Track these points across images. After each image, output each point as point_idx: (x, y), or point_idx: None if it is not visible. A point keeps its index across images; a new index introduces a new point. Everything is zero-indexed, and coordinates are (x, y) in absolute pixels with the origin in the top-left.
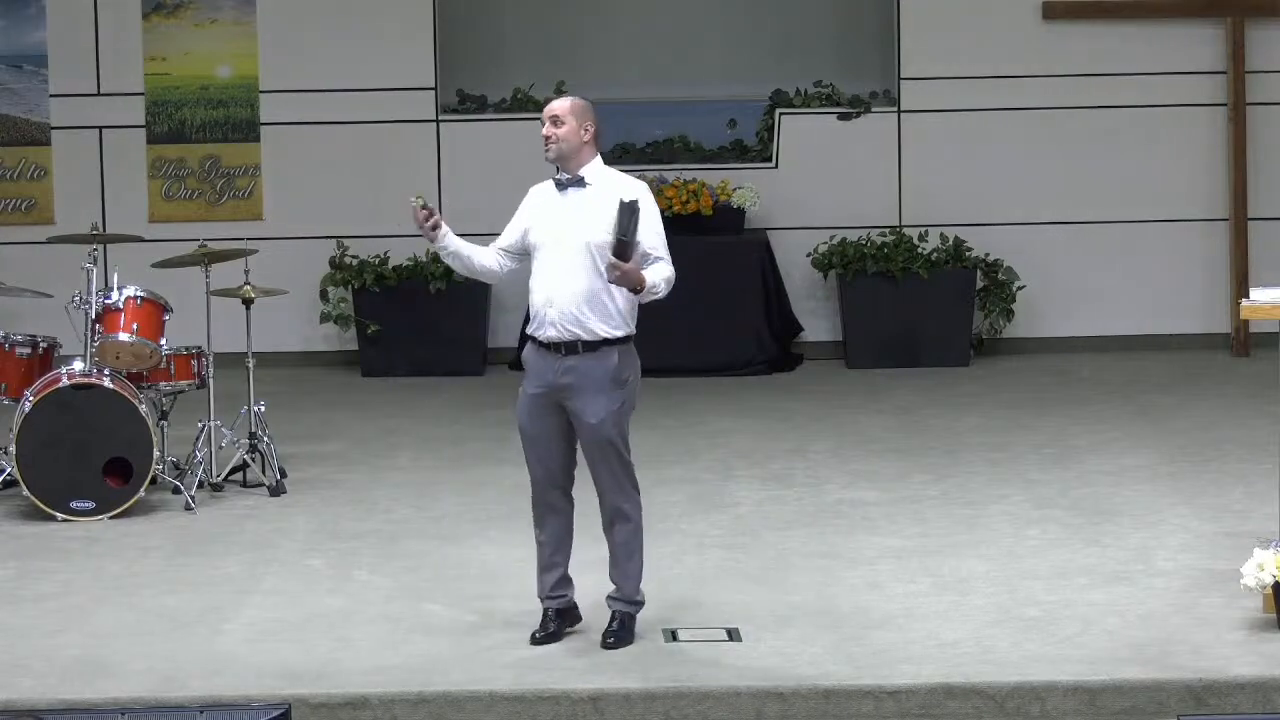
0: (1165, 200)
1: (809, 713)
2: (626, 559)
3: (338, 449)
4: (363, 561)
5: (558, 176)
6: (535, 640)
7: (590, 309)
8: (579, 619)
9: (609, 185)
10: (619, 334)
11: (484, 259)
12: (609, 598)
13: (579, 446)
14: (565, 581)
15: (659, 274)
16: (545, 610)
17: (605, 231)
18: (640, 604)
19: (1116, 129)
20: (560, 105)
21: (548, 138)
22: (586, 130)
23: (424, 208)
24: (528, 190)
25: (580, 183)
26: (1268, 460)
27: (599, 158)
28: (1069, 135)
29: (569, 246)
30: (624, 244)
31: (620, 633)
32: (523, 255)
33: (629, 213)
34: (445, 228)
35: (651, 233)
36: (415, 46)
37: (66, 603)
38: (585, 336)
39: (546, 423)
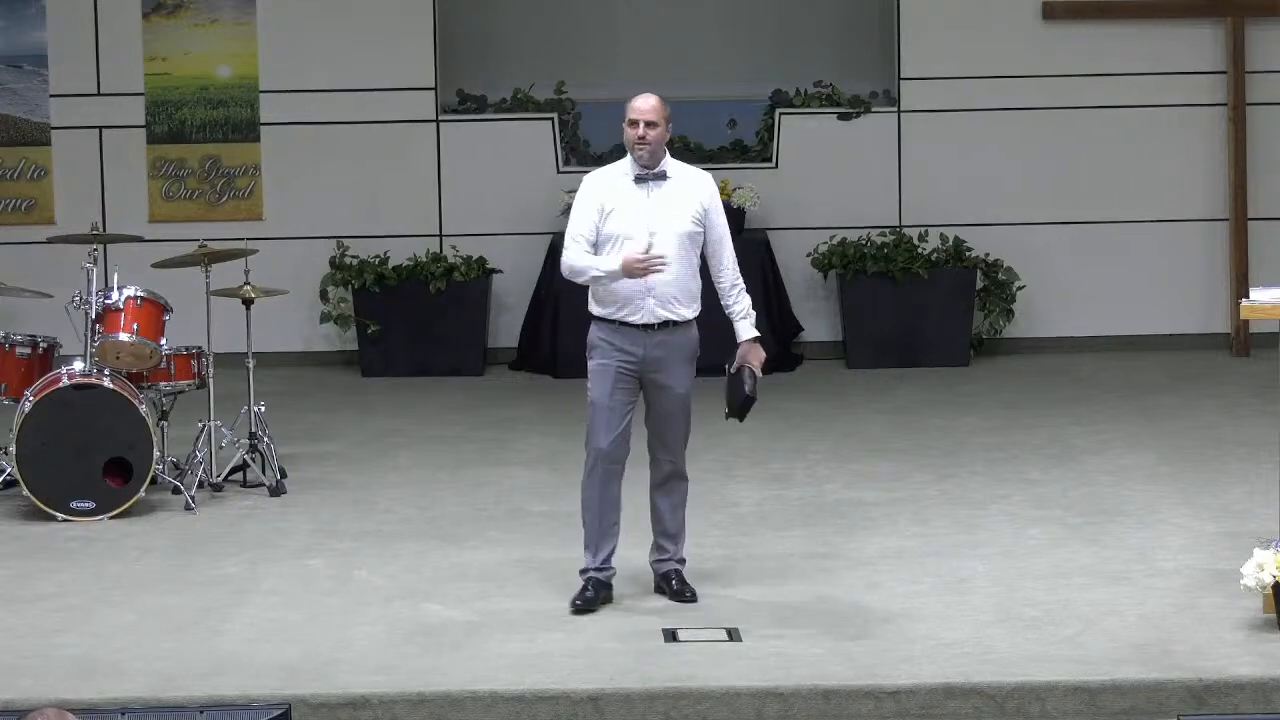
0: (1165, 200)
1: (809, 713)
2: (682, 521)
3: (338, 449)
4: (363, 561)
5: (639, 171)
6: (576, 609)
7: (684, 294)
8: (611, 599)
9: (686, 178)
10: (698, 313)
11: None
12: (660, 560)
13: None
14: (612, 555)
15: (750, 313)
16: (590, 580)
17: (692, 222)
18: (685, 560)
19: (1116, 129)
20: (651, 108)
21: (643, 138)
22: (668, 130)
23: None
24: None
25: (663, 176)
26: (1268, 460)
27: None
28: (1069, 135)
29: (667, 237)
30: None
31: (690, 587)
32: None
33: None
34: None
35: (725, 228)
36: (415, 46)
37: (66, 603)
38: (676, 319)
39: (624, 396)
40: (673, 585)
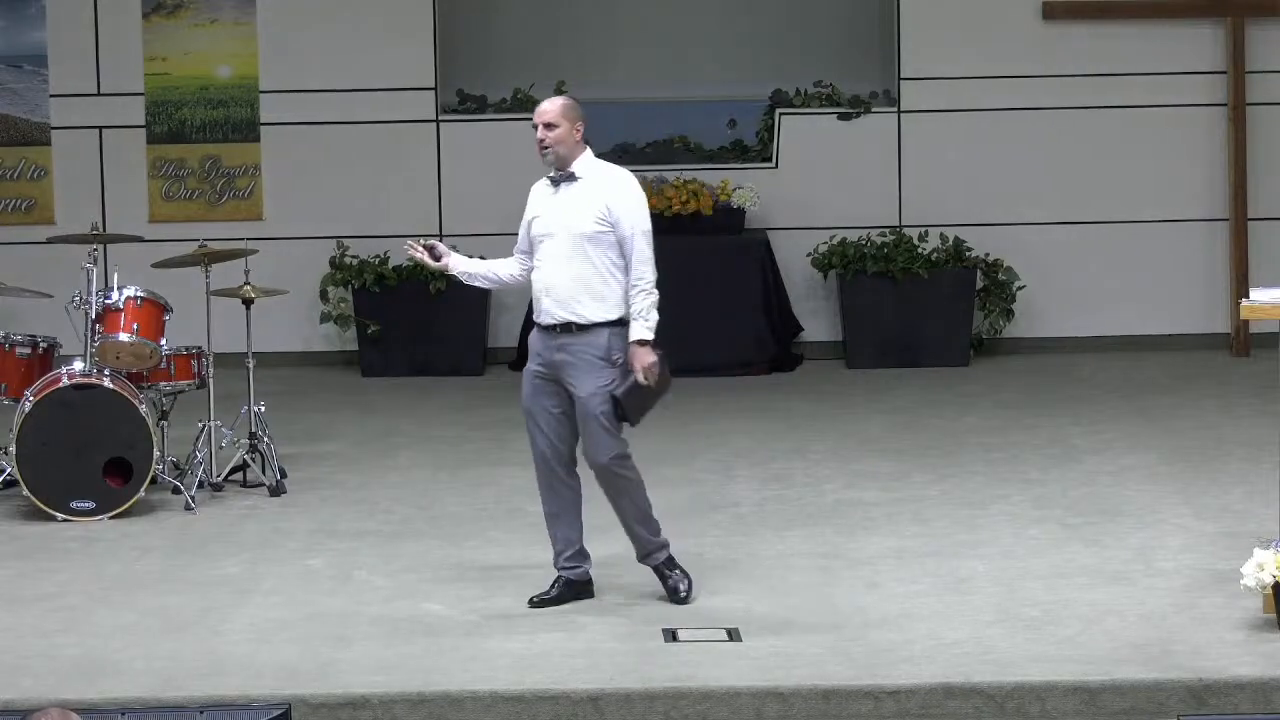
0: (1165, 200)
1: (809, 713)
2: (637, 516)
3: (338, 449)
4: (363, 561)
5: (552, 174)
6: (531, 603)
7: (584, 294)
8: (590, 594)
9: (597, 177)
10: (611, 317)
11: (506, 269)
12: (641, 559)
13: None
14: (580, 555)
15: (647, 314)
16: (556, 577)
17: (593, 222)
18: (666, 544)
19: (1116, 129)
20: (551, 110)
21: (542, 142)
22: (578, 130)
23: (424, 246)
24: (528, 190)
25: (572, 178)
26: (1268, 460)
27: (589, 151)
28: (1069, 135)
29: (562, 237)
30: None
31: (681, 582)
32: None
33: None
34: (450, 256)
35: (634, 228)
36: (415, 46)
37: (66, 603)
38: (578, 320)
39: (546, 400)
40: (666, 579)
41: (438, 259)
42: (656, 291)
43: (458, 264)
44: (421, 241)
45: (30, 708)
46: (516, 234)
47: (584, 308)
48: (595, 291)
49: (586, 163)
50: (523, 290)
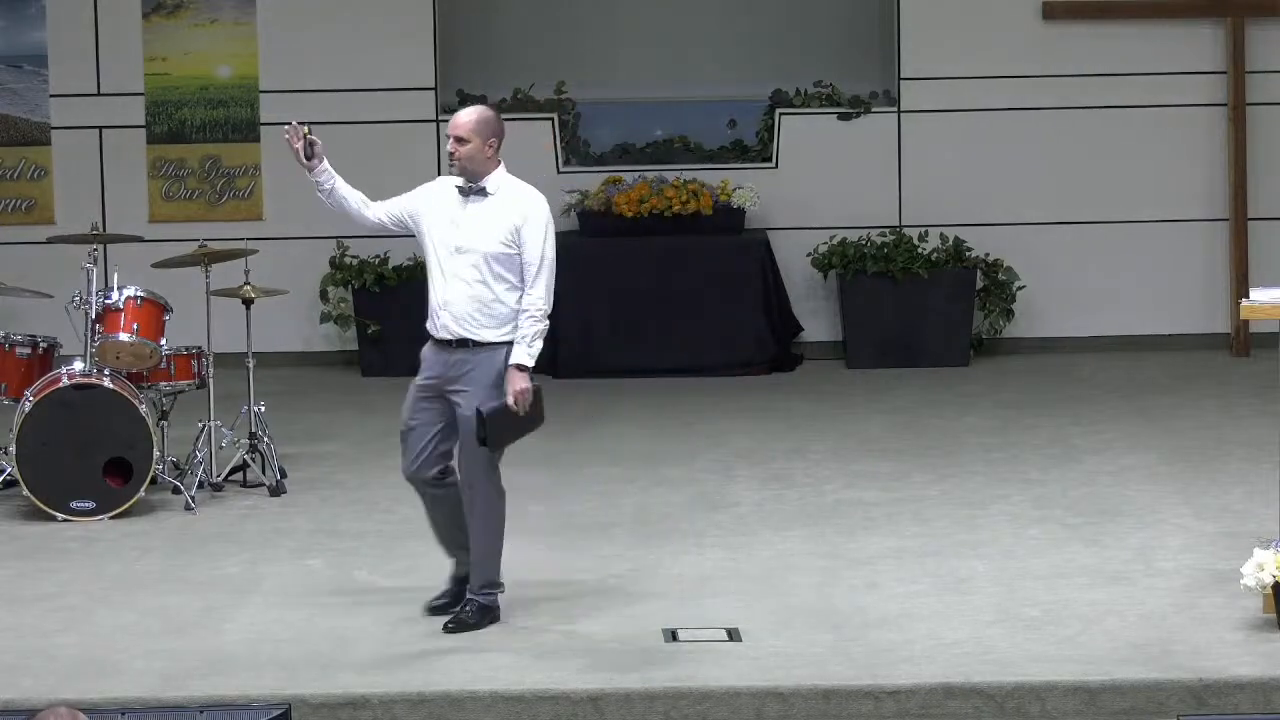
0: (1165, 200)
1: (809, 713)
2: (481, 547)
3: (338, 449)
4: (363, 561)
5: (460, 184)
6: (426, 608)
7: (482, 315)
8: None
9: (508, 196)
10: (511, 337)
11: (362, 209)
12: (468, 585)
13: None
14: (458, 568)
15: (532, 341)
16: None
17: (500, 243)
18: (491, 590)
19: (1116, 129)
20: (464, 124)
21: (452, 154)
22: (490, 145)
23: (306, 139)
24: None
25: (483, 193)
26: (1268, 460)
27: (502, 166)
28: (1069, 135)
29: (466, 253)
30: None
31: (462, 618)
32: (399, 226)
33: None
34: (323, 163)
35: (540, 256)
36: (415, 46)
37: (66, 603)
38: (476, 338)
39: (426, 414)
40: (463, 606)
41: (310, 159)
42: (547, 321)
43: (324, 174)
44: (305, 133)
45: (30, 708)
46: None
47: (482, 328)
48: (494, 311)
49: (498, 180)
50: None
